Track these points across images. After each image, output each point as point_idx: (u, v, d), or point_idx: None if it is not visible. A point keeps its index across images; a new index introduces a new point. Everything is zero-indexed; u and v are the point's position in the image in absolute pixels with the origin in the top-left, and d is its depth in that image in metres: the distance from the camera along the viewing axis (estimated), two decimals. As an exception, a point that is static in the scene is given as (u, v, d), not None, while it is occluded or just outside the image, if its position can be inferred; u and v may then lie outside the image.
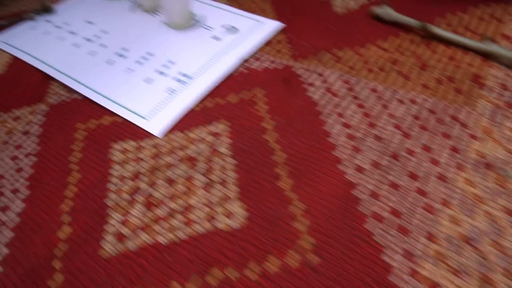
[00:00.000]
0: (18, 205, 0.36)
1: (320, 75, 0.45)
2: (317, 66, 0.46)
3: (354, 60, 0.47)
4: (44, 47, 0.52)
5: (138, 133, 0.41)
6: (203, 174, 0.36)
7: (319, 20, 0.54)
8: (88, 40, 0.53)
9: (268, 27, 0.53)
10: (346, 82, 0.44)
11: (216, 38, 0.52)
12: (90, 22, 0.56)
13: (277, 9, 0.58)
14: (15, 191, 0.38)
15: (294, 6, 0.58)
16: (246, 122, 0.40)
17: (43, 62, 0.50)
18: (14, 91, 0.48)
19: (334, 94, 0.42)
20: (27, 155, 0.41)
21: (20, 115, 0.45)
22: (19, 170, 0.39)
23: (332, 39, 0.51)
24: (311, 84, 0.44)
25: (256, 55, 0.50)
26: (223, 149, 0.38)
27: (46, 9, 0.59)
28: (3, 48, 0.54)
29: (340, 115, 0.40)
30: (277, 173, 0.35)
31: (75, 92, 0.47)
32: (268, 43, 0.51)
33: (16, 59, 0.52)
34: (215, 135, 0.40)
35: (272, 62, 0.48)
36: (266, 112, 0.41)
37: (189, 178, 0.36)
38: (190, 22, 0.54)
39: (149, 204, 0.34)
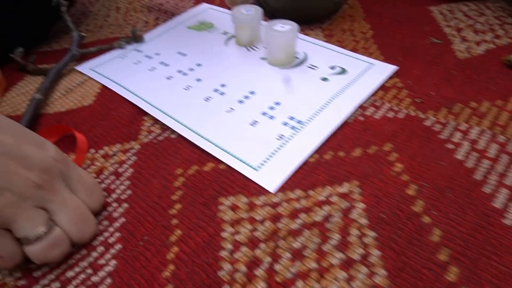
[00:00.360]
0: (109, 261, 0.30)
1: (462, 131, 0.38)
2: (454, 121, 0.39)
3: (497, 114, 0.39)
4: (135, 78, 0.49)
5: (248, 187, 0.35)
6: (337, 248, 0.29)
7: (437, 64, 0.48)
8: (182, 73, 0.49)
9: (381, 70, 0.47)
10: (494, 140, 0.36)
11: (324, 79, 0.46)
12: (182, 54, 0.52)
13: (383, 50, 0.52)
14: (104, 243, 0.32)
15: (403, 48, 0.52)
16: (381, 184, 0.33)
17: (134, 94, 0.46)
18: (104, 125, 0.44)
19: (487, 157, 0.35)
20: (117, 200, 0.35)
21: (110, 153, 0.40)
22: (110, 218, 0.34)
23: (460, 88, 0.44)
24: (453, 143, 0.37)
25: (370, 100, 0.43)
26: (357, 216, 0.31)
27: (136, 38, 0.56)
28: (92, 76, 0.50)
29: (504, 185, 0.32)
30: (438, 258, 0.28)
31: (170, 129, 0.42)
32: (381, 87, 0.45)
33: (105, 89, 0.48)
34: (344, 196, 0.33)
35: (391, 109, 0.42)
36: (403, 173, 0.34)
37: (320, 252, 0.29)
38: (293, 60, 0.49)
39: (274, 284, 0.28)
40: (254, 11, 0.51)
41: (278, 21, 0.47)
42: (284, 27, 0.46)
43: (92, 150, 0.41)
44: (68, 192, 0.30)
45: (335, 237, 0.30)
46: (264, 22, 0.54)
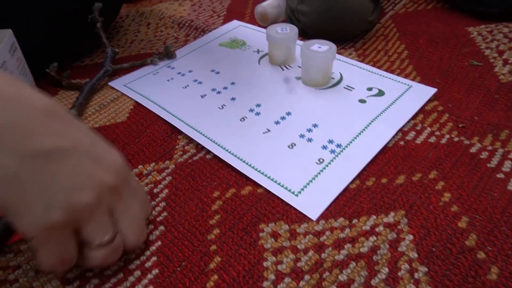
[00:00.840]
0: (145, 287, 0.30)
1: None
2: (502, 148, 0.38)
3: (549, 144, 0.38)
4: (168, 95, 0.48)
5: (288, 213, 0.33)
6: (387, 283, 0.28)
7: (478, 87, 0.46)
8: (216, 91, 0.48)
9: (420, 92, 0.46)
10: (550, 172, 0.35)
11: (361, 101, 0.45)
12: (215, 72, 0.52)
13: (420, 71, 0.50)
14: (141, 267, 0.31)
15: (441, 69, 0.50)
16: (430, 215, 0.32)
17: (168, 112, 0.46)
18: (139, 142, 0.43)
19: (542, 189, 0.33)
20: (153, 222, 0.35)
21: (146, 173, 0.40)
22: (146, 240, 0.33)
23: (505, 113, 0.42)
24: (504, 172, 0.35)
25: (410, 124, 0.42)
26: (405, 249, 0.30)
27: (169, 54, 0.56)
28: (125, 92, 0.50)
29: None
30: (498, 299, 0.26)
31: (205, 149, 0.41)
32: (421, 110, 0.44)
33: (139, 106, 0.48)
34: (391, 227, 0.31)
35: (433, 134, 0.40)
36: (453, 203, 0.33)
37: (368, 286, 0.28)
38: (329, 81, 0.48)
39: (321, 320, 0.26)
40: (289, 31, 0.50)
41: (315, 41, 0.47)
42: (322, 47, 0.45)
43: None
44: (130, 198, 0.29)
45: (384, 271, 0.28)
46: (299, 42, 0.53)
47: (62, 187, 0.25)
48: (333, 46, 0.46)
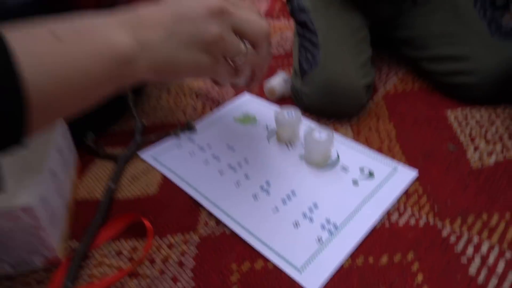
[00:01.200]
0: None
1: (474, 245, 0.45)
2: (469, 233, 0.46)
3: (505, 229, 0.46)
4: (191, 170, 0.57)
5: (293, 287, 0.42)
6: None
7: (453, 171, 0.55)
8: (232, 167, 0.57)
9: (405, 175, 0.54)
10: (504, 257, 0.43)
11: (354, 182, 0.54)
12: (231, 148, 0.61)
13: (406, 151, 0.59)
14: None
15: (424, 150, 0.59)
16: (406, 294, 0.40)
17: (191, 186, 0.54)
18: (168, 214, 0.51)
19: (498, 276, 0.41)
20: (182, 291, 0.42)
21: (174, 243, 0.48)
22: (177, 307, 0.41)
23: (474, 198, 0.51)
24: (467, 257, 0.43)
25: (394, 205, 0.51)
26: (386, 324, 0.38)
27: (190, 127, 0.65)
28: (154, 165, 0.59)
29: (509, 304, 0.39)
30: None
31: (224, 224, 0.49)
32: (404, 191, 0.52)
33: (166, 179, 0.57)
34: (375, 304, 0.39)
35: (413, 215, 0.49)
36: (425, 284, 0.41)
37: None
38: (328, 161, 0.57)
39: None
40: (294, 116, 0.59)
41: (316, 127, 0.56)
42: (322, 135, 0.54)
43: (157, 238, 0.49)
44: (239, 10, 0.39)
45: None
46: (303, 124, 0.62)
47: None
48: (331, 135, 0.55)
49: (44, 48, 0.30)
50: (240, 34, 0.39)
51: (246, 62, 0.41)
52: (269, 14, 1.26)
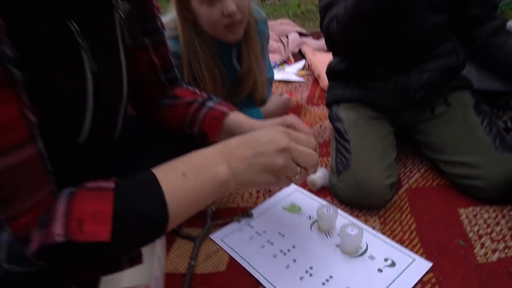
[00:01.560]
0: None
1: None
2: (469, 321, 0.59)
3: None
4: (250, 252, 0.74)
5: None
6: None
7: (463, 264, 0.68)
8: (283, 252, 0.73)
9: (421, 266, 0.68)
10: None
11: (379, 270, 0.68)
12: (282, 235, 0.77)
13: (423, 243, 0.73)
14: None
15: (439, 244, 0.73)
16: None
17: (252, 266, 0.71)
18: (235, 289, 0.68)
19: None
20: None
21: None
22: None
23: (476, 291, 0.64)
24: None
25: (411, 292, 0.64)
26: None
27: (248, 215, 0.82)
28: (223, 247, 0.76)
29: None
30: None
31: (278, 300, 0.65)
32: (419, 280, 0.66)
33: (232, 258, 0.74)
34: None
35: (426, 303, 0.62)
36: None
37: None
38: (359, 251, 0.72)
39: None
40: (332, 212, 0.76)
41: (350, 222, 0.72)
42: (353, 231, 0.70)
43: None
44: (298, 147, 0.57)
45: None
46: (340, 217, 0.79)
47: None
48: (361, 230, 0.70)
49: (177, 182, 0.49)
50: (297, 163, 0.57)
51: (299, 178, 0.59)
52: (309, 101, 1.47)
